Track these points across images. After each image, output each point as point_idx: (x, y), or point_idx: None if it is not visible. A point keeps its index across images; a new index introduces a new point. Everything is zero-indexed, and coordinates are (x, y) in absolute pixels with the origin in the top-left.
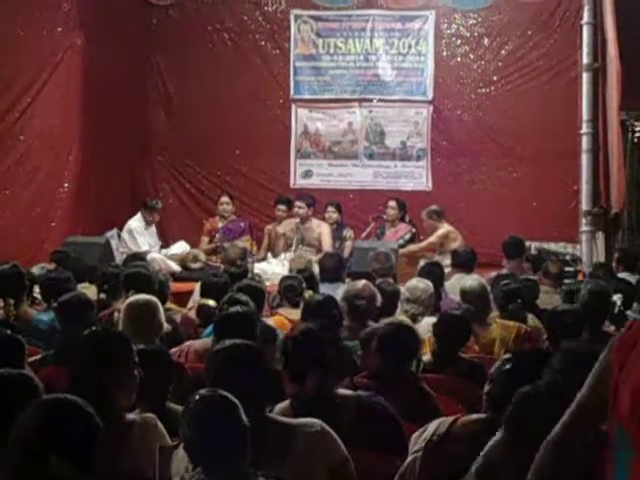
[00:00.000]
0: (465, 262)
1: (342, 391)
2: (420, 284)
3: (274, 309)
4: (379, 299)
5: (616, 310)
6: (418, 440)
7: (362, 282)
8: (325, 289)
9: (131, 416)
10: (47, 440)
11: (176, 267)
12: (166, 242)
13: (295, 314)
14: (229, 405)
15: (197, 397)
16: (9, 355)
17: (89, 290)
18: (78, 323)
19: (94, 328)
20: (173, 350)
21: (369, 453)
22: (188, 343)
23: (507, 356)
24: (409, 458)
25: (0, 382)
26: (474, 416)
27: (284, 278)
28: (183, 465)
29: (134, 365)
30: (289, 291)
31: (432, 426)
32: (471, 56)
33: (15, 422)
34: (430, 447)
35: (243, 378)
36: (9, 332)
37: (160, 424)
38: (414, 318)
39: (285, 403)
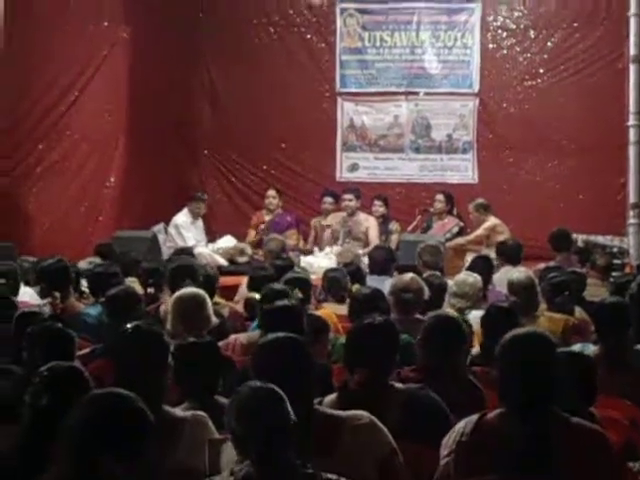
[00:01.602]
0: (512, 255)
1: (392, 383)
2: (469, 278)
3: (320, 302)
4: (427, 292)
5: None
6: (448, 444)
7: (409, 275)
8: (373, 282)
9: (182, 413)
10: (100, 439)
11: (223, 261)
12: (213, 237)
13: (341, 309)
14: (275, 397)
15: (243, 390)
16: (60, 348)
17: (135, 284)
18: (126, 317)
19: (131, 324)
20: (220, 344)
21: (417, 446)
22: (234, 336)
23: None
24: (442, 462)
25: (51, 375)
26: (499, 410)
27: (328, 271)
28: (232, 457)
29: (167, 363)
30: (333, 284)
31: (459, 427)
32: (517, 49)
33: (66, 417)
34: (461, 448)
35: (289, 371)
36: (60, 325)
37: (210, 422)
38: (461, 312)
39: (333, 395)
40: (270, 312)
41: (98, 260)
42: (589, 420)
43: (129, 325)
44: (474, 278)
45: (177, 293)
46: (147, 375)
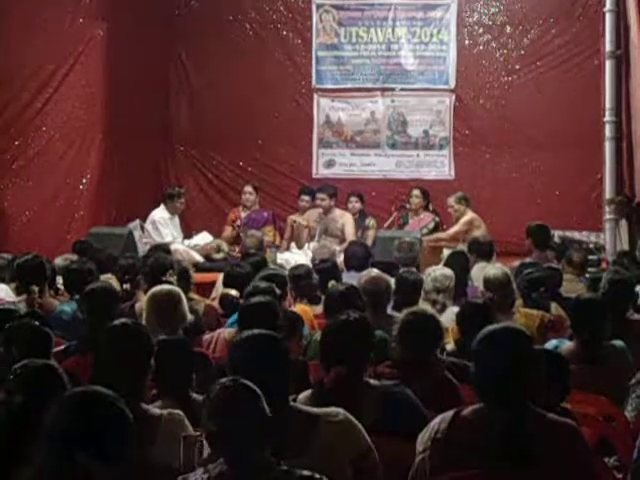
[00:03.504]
0: (484, 251)
1: (367, 380)
2: (446, 271)
3: (296, 300)
4: (392, 287)
5: (639, 301)
6: (423, 440)
7: (375, 271)
8: (349, 278)
9: (157, 411)
10: (77, 436)
11: (199, 258)
12: (189, 233)
13: (316, 310)
14: (250, 394)
15: (218, 386)
16: (37, 346)
17: (112, 281)
18: (103, 314)
19: (118, 321)
20: (205, 337)
21: (393, 441)
22: (218, 331)
23: None
24: (417, 459)
25: (25, 372)
26: (474, 407)
27: (291, 269)
28: (206, 454)
29: (150, 361)
30: (295, 281)
31: (434, 424)
32: (493, 44)
33: (43, 415)
34: (437, 445)
35: (265, 368)
36: (37, 323)
37: (186, 420)
38: (444, 307)
39: (308, 392)
40: (245, 308)
41: (74, 257)
42: (564, 416)
43: (115, 322)
44: (448, 270)
45: (152, 290)
46: (129, 373)
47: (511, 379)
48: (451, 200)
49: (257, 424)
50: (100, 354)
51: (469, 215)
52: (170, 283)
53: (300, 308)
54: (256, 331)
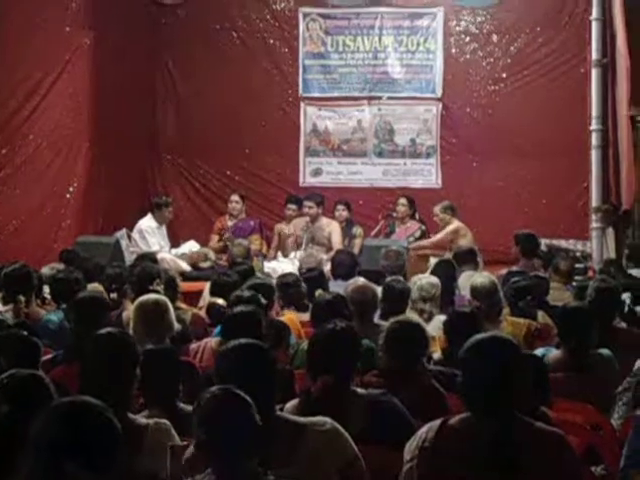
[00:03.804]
0: (465, 259)
1: (354, 389)
2: (431, 279)
3: (282, 310)
4: (379, 296)
5: (626, 308)
6: (410, 449)
7: (361, 280)
8: (336, 287)
9: (144, 420)
10: (66, 446)
11: (186, 266)
12: (177, 242)
13: (303, 317)
14: (241, 403)
15: (209, 395)
16: (25, 356)
17: (98, 290)
18: (91, 323)
19: (104, 330)
20: (192, 346)
21: (380, 449)
22: (205, 340)
23: None
24: (405, 468)
25: (11, 383)
26: (461, 416)
27: (279, 278)
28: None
29: (136, 371)
30: (284, 290)
31: (421, 433)
32: (480, 53)
33: (29, 425)
34: (424, 454)
35: (251, 377)
36: (25, 333)
37: (173, 430)
38: (431, 316)
39: (295, 401)
40: (229, 318)
41: (61, 266)
42: (543, 420)
43: (101, 331)
44: (435, 279)
45: (139, 299)
46: (115, 382)
47: (499, 388)
48: (436, 209)
49: (247, 433)
50: (86, 363)
51: (455, 224)
52: (157, 292)
53: (287, 317)
54: (242, 340)
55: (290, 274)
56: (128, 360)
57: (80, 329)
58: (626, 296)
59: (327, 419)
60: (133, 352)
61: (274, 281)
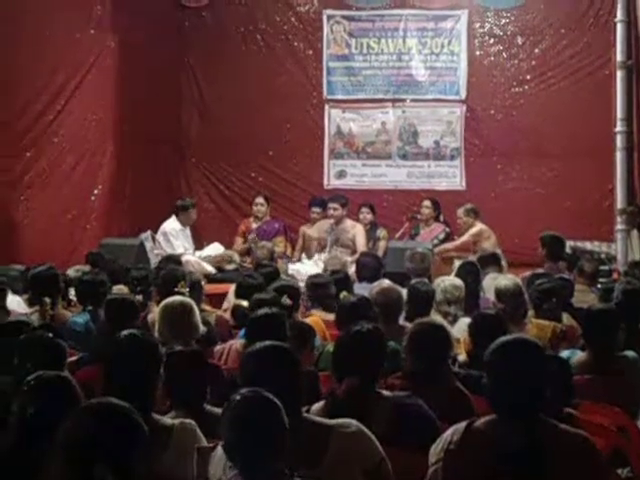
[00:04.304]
0: (491, 260)
1: (379, 391)
2: (455, 281)
3: (308, 310)
4: (404, 298)
5: None
6: (436, 451)
7: (386, 282)
8: (361, 289)
9: (170, 421)
10: (94, 448)
11: (210, 269)
12: (201, 244)
13: (329, 316)
14: (271, 405)
15: (238, 396)
16: (51, 358)
17: (124, 292)
18: (121, 325)
19: (127, 332)
20: (217, 348)
21: (406, 452)
22: (230, 342)
23: None
24: (430, 470)
25: (38, 384)
26: (486, 418)
27: (310, 278)
28: (221, 466)
29: (159, 372)
30: (316, 290)
31: (447, 435)
32: (504, 55)
33: (59, 426)
34: (450, 456)
35: (276, 379)
36: (51, 335)
37: (198, 430)
38: (455, 319)
39: (321, 403)
40: (253, 320)
41: (86, 268)
42: (568, 422)
43: (124, 332)
44: (459, 281)
45: (165, 301)
46: (138, 383)
47: (524, 390)
48: (459, 212)
49: (276, 435)
50: (110, 365)
51: (478, 226)
52: (182, 294)
53: (312, 319)
54: (267, 343)
55: (321, 275)
56: (151, 361)
57: (109, 330)
58: None
59: (353, 421)
60: (156, 353)
61: (300, 283)
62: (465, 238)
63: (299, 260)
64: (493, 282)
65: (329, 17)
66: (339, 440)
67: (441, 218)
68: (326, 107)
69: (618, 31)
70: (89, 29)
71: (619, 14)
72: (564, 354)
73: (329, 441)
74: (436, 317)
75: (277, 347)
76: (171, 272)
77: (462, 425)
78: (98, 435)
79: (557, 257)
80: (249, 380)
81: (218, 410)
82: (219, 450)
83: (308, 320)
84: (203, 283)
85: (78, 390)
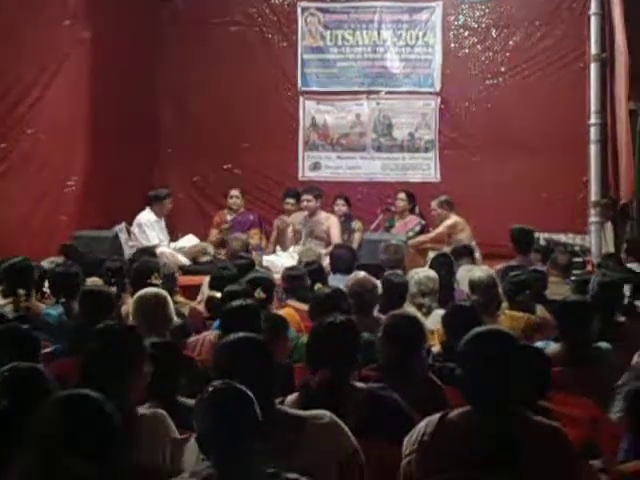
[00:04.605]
0: (464, 252)
1: (353, 383)
2: (429, 273)
3: (283, 301)
4: (379, 289)
5: (625, 301)
6: (409, 443)
7: (362, 274)
8: (335, 281)
9: (141, 410)
10: (67, 439)
11: (185, 260)
12: (175, 236)
13: (305, 306)
14: (243, 397)
15: (211, 388)
16: (26, 350)
17: (98, 284)
18: (96, 316)
19: (108, 323)
20: (191, 340)
21: (379, 443)
22: (204, 334)
23: None
24: (403, 461)
25: (11, 375)
26: (460, 410)
27: (286, 270)
28: (194, 458)
29: (145, 361)
30: (292, 282)
31: (420, 427)
32: (479, 47)
33: (31, 417)
34: (423, 448)
35: (249, 371)
36: (26, 327)
37: (169, 419)
38: (429, 310)
39: (295, 395)
40: (227, 312)
41: (60, 260)
42: (543, 414)
43: (108, 323)
44: (433, 273)
45: (139, 293)
46: (119, 374)
47: (497, 382)
48: (433, 204)
49: (249, 427)
50: (90, 356)
51: (452, 219)
52: (155, 286)
53: (286, 311)
54: (240, 335)
55: (296, 267)
56: (134, 353)
57: (84, 322)
58: (626, 289)
59: (326, 412)
60: (139, 345)
61: (275, 275)
62: (440, 230)
63: (273, 252)
64: (467, 274)
65: (304, 9)
66: (312, 431)
67: (416, 210)
68: (301, 99)
69: (592, 24)
70: (63, 20)
71: (593, 6)
72: (538, 346)
73: (302, 433)
74: (410, 309)
75: (250, 339)
76: (144, 264)
77: (436, 417)
78: (70, 426)
79: (527, 250)
80: (222, 372)
81: (192, 401)
82: (192, 442)
83: (283, 312)
84: (177, 275)
85: (51, 382)
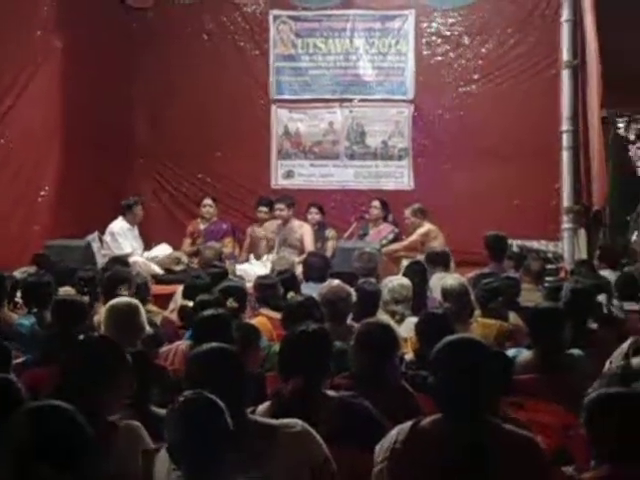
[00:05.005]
0: (439, 261)
1: (325, 392)
2: (403, 281)
3: (256, 310)
4: (354, 297)
5: (605, 310)
6: (381, 450)
7: (336, 282)
8: (308, 289)
9: (115, 421)
10: (39, 450)
11: (158, 269)
12: (148, 245)
13: (278, 315)
14: (213, 408)
15: (182, 399)
16: None
17: (70, 294)
18: (70, 326)
19: (89, 334)
20: (163, 349)
21: (351, 452)
22: (177, 343)
23: None
24: (375, 469)
25: None
26: (432, 417)
27: (258, 279)
28: (165, 469)
29: (126, 374)
30: (264, 291)
31: (392, 434)
32: (451, 55)
33: (3, 428)
34: (395, 456)
35: (220, 381)
36: None
37: (144, 430)
38: (403, 318)
39: (267, 404)
40: (199, 321)
41: (32, 270)
42: (511, 422)
43: (89, 335)
44: (406, 281)
45: (110, 302)
46: (98, 387)
47: (468, 390)
48: (407, 212)
49: (219, 437)
50: (68, 366)
51: (425, 226)
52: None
53: (259, 320)
54: (212, 345)
55: (269, 276)
56: (116, 365)
57: (56, 332)
58: (602, 298)
59: (298, 421)
60: (121, 357)
61: (248, 284)
62: (413, 238)
63: (247, 260)
64: (440, 282)
65: (275, 17)
66: (284, 440)
67: (390, 218)
68: (273, 107)
69: (564, 31)
70: (36, 30)
71: (565, 14)
72: (510, 353)
73: (274, 441)
74: (383, 316)
75: (221, 349)
76: (116, 273)
77: (407, 424)
78: (42, 436)
79: (501, 257)
80: (194, 382)
81: (164, 411)
82: (163, 452)
83: (255, 321)
84: (150, 284)
85: (22, 392)
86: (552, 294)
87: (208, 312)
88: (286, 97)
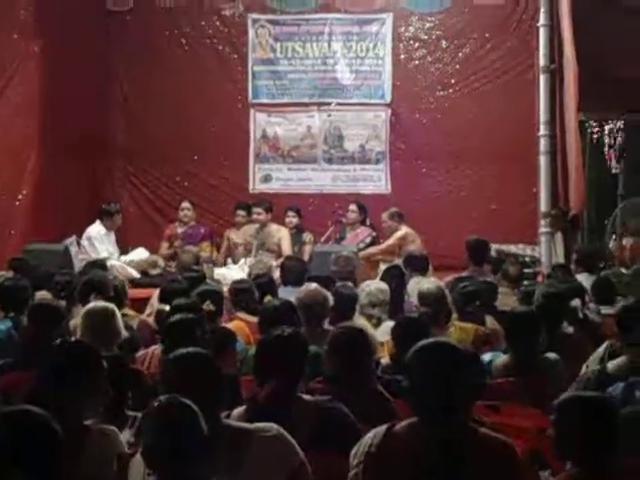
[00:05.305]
0: (418, 265)
1: (300, 396)
2: (380, 285)
3: (233, 314)
4: (331, 301)
5: (580, 315)
6: (356, 454)
7: (313, 286)
8: (285, 293)
9: (91, 425)
10: (11, 455)
11: (135, 273)
12: (126, 249)
13: (255, 319)
14: (189, 412)
15: (156, 403)
16: None
17: (47, 298)
18: (47, 330)
19: (66, 339)
20: (139, 353)
21: (326, 456)
22: (153, 347)
23: None
24: (350, 473)
25: None
26: (407, 421)
27: (233, 283)
28: (140, 473)
29: (104, 377)
30: (239, 295)
31: (367, 438)
32: (429, 59)
33: None
34: (370, 459)
35: (195, 385)
36: None
37: (119, 435)
38: (379, 322)
39: (242, 408)
40: (167, 326)
41: (9, 274)
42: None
43: (66, 340)
44: (384, 285)
45: (87, 307)
46: (75, 392)
47: (443, 394)
48: (384, 216)
49: (194, 441)
50: (45, 371)
51: (403, 230)
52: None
53: (235, 324)
54: (187, 350)
55: (244, 280)
56: (93, 370)
57: (33, 336)
58: (577, 302)
59: (273, 425)
60: (96, 361)
61: (225, 288)
62: (390, 242)
63: (224, 264)
64: (417, 285)
65: (254, 21)
66: (259, 444)
67: (367, 222)
68: (251, 111)
69: (541, 35)
70: (13, 34)
71: (542, 18)
72: (487, 357)
73: (249, 446)
74: (360, 320)
75: (196, 354)
76: (91, 278)
77: (383, 428)
78: (14, 442)
79: (481, 261)
80: (169, 386)
81: (139, 415)
82: (138, 457)
83: (232, 324)
84: (127, 288)
85: None
86: (526, 298)
87: (175, 317)
88: (264, 101)
